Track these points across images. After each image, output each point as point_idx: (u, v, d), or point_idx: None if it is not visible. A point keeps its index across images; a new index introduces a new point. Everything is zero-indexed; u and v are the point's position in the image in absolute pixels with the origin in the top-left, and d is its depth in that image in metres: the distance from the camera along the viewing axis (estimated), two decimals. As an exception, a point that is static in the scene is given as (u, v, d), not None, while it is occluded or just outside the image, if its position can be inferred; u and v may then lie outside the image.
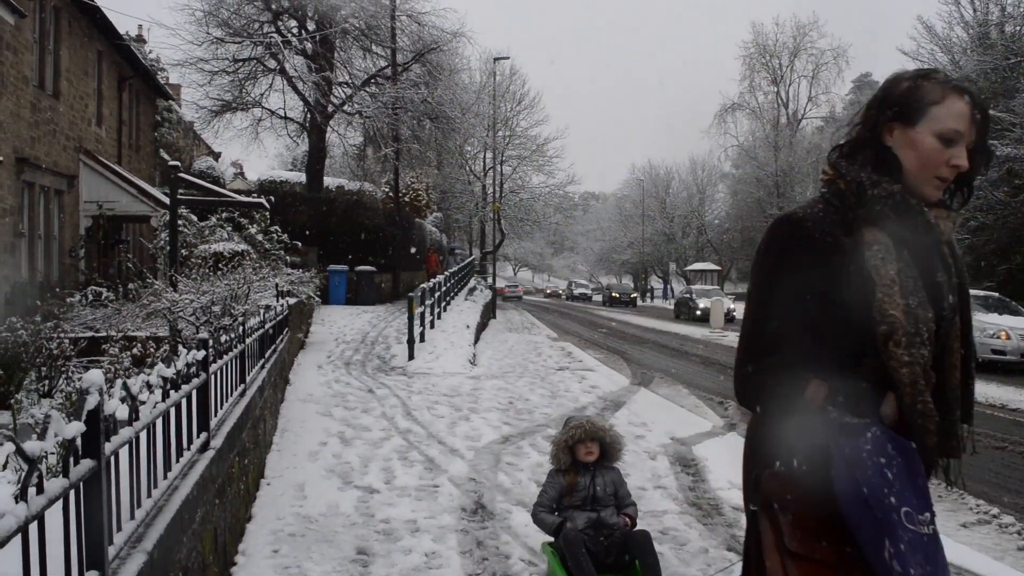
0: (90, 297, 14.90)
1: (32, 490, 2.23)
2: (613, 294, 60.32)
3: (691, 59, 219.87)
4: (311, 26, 30.14)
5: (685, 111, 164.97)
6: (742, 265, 66.84)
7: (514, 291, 70.99)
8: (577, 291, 77.34)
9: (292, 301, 14.91)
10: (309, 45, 29.69)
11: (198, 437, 4.81)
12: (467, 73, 43.31)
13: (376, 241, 30.78)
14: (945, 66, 32.92)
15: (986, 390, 14.87)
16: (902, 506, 2.07)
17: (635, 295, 61.83)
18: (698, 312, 37.53)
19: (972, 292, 3.14)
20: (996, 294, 21.79)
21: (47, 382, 9.74)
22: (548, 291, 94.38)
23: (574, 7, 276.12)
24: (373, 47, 31.33)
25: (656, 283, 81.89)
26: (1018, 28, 31.46)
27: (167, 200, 16.26)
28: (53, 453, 2.52)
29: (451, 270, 26.21)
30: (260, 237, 21.97)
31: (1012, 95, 29.39)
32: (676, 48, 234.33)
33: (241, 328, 7.04)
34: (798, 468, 2.19)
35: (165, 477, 3.91)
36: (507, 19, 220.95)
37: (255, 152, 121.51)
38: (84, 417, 2.64)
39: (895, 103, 2.27)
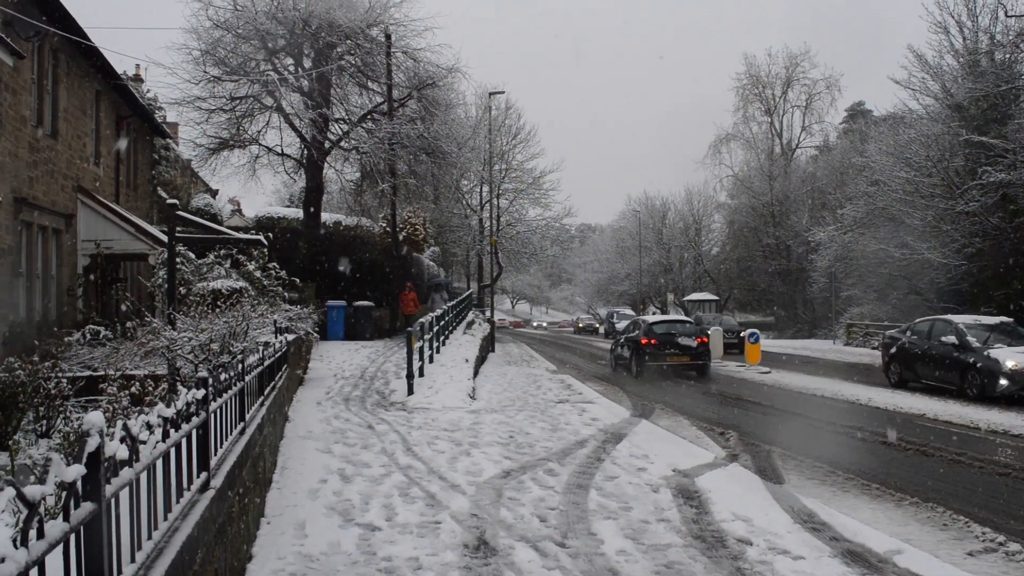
0: (88, 336, 14.87)
1: (32, 534, 2.21)
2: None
3: (685, 90, 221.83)
4: (307, 63, 30.40)
5: (680, 142, 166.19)
6: (739, 295, 66.83)
7: (501, 323, 70.04)
8: (620, 324, 52.04)
9: (291, 337, 14.89)
10: (305, 82, 29.91)
11: (198, 477, 4.78)
12: (463, 108, 43.62)
13: (374, 276, 30.80)
14: (936, 94, 33.23)
15: (988, 416, 14.82)
16: None
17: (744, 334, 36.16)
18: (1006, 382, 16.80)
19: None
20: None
21: (45, 422, 9.69)
22: (580, 324, 73.98)
23: (569, 40, 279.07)
24: (369, 83, 31.57)
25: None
26: (1008, 56, 31.77)
27: (165, 238, 16.27)
28: (53, 495, 2.50)
29: (438, 312, 24.23)
30: (258, 274, 21.97)
31: (1004, 122, 29.61)
32: (671, 80, 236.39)
33: (240, 366, 7.02)
34: None
35: (166, 518, 3.88)
36: (502, 53, 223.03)
37: (252, 189, 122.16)
38: (85, 460, 2.62)
39: None
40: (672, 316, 30.82)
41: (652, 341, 22.76)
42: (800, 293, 56.74)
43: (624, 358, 24.38)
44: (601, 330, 62.82)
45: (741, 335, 33.59)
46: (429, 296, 35.08)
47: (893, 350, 20.81)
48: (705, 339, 23.58)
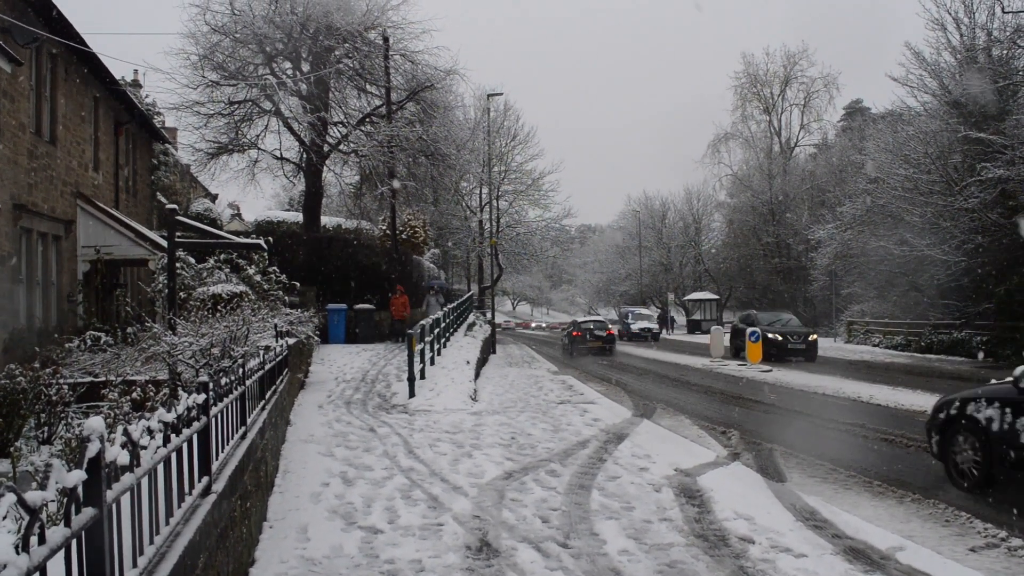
0: (89, 342, 14.86)
1: (34, 540, 2.22)
2: (772, 335, 28.24)
3: (685, 90, 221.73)
4: (305, 67, 30.41)
5: (680, 142, 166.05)
6: (740, 293, 66.77)
7: (507, 324, 69.46)
8: (636, 326, 50.00)
9: (291, 341, 14.88)
10: (304, 86, 29.92)
11: (200, 481, 4.78)
12: (461, 110, 43.64)
13: (374, 279, 30.79)
14: (934, 91, 33.23)
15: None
16: None
17: (814, 336, 30.17)
18: None
19: None
20: None
21: (46, 429, 9.69)
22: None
23: (568, 41, 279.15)
24: (367, 86, 31.60)
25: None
26: (1005, 52, 31.76)
27: (165, 243, 16.28)
28: (54, 501, 2.50)
29: (438, 314, 23.50)
30: (258, 278, 21.98)
31: (1002, 117, 29.61)
32: (671, 80, 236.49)
33: (241, 370, 7.02)
34: None
35: (167, 523, 3.88)
36: (501, 55, 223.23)
37: (252, 193, 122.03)
38: (85, 465, 2.62)
39: None
40: (593, 317, 45.23)
41: (579, 333, 35.87)
42: (800, 291, 56.70)
43: (566, 343, 37.17)
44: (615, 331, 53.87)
45: (810, 338, 29.31)
46: (425, 299, 34.37)
47: None
48: (612, 331, 37.39)
